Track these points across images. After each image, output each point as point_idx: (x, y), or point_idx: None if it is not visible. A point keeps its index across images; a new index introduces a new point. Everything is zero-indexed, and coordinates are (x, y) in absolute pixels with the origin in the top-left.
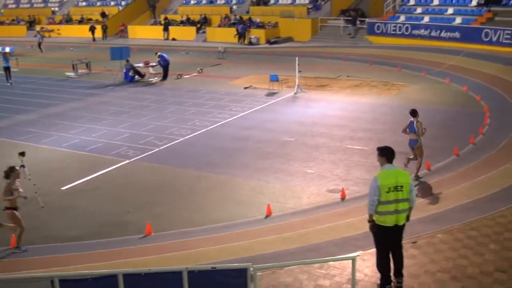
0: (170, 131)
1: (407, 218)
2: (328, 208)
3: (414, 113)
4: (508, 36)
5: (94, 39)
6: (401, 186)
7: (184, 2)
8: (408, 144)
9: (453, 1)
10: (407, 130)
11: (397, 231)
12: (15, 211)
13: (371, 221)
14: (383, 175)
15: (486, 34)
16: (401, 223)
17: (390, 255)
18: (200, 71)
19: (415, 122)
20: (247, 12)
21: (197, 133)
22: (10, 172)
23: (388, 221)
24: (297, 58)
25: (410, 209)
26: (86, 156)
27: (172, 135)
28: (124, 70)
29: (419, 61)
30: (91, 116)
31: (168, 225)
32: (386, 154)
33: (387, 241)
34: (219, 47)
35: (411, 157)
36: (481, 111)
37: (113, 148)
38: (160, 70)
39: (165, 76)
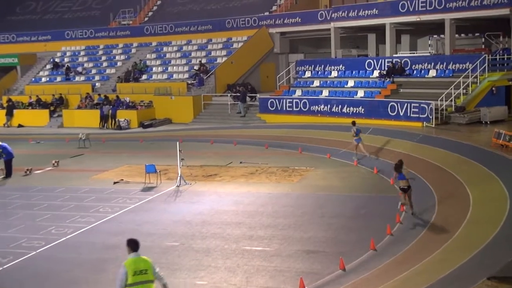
0: (18, 244)
1: None
2: None
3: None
4: (416, 110)
5: None
6: (146, 270)
7: (32, 80)
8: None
9: (353, 73)
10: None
11: None
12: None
13: None
14: (129, 262)
15: (393, 108)
16: None
17: None
18: (55, 164)
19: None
20: (114, 90)
21: (54, 243)
22: (401, 164)
23: None
24: (178, 144)
25: (164, 286)
26: None
27: (21, 249)
28: None
29: (321, 141)
30: None
31: None
32: (131, 244)
33: None
34: (80, 134)
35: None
36: (396, 195)
37: None
38: (1, 165)
39: (8, 173)
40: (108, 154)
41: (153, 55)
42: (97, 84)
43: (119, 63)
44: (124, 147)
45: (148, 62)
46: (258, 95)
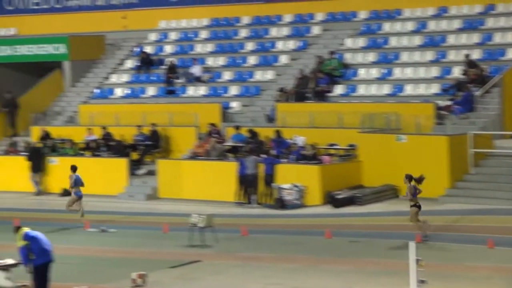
0: None
1: None
2: None
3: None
4: None
5: None
6: None
7: (95, 93)
8: None
9: None
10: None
11: None
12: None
13: None
14: None
15: None
16: None
17: None
18: (139, 281)
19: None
20: (270, 119)
21: None
22: (412, 178)
23: None
24: (412, 247)
25: None
26: None
27: None
28: None
29: None
30: None
31: None
32: None
33: None
34: (195, 216)
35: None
36: None
37: None
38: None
39: None
40: (255, 262)
41: (361, 40)
42: (233, 104)
43: (283, 59)
44: (298, 248)
45: (348, 57)
46: None
